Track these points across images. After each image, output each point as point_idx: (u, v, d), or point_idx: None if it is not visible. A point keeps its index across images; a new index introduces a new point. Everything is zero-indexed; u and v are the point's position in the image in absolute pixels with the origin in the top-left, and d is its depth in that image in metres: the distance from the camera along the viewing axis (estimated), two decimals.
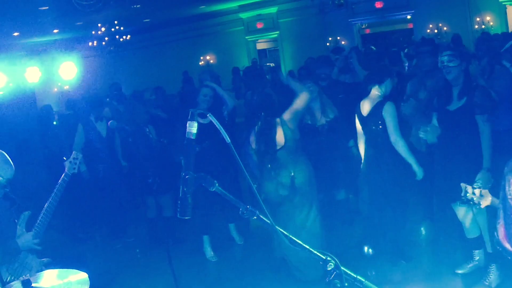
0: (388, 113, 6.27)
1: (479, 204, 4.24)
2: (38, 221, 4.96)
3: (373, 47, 14.11)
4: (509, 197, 3.88)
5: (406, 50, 11.28)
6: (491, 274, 5.84)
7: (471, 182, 5.57)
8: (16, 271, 4.75)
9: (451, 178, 5.77)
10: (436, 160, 6.20)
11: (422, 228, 7.44)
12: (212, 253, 7.78)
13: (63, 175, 5.05)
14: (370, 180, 6.69)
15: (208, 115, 2.73)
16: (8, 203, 4.75)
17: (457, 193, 5.63)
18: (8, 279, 4.60)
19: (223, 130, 2.65)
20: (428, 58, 7.34)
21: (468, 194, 4.29)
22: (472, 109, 5.70)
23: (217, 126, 2.66)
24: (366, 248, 6.93)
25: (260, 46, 25.31)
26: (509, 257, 3.98)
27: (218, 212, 7.84)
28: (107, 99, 11.26)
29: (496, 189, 5.62)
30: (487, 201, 4.24)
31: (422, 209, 7.46)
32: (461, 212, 5.99)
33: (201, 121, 2.78)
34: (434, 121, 6.13)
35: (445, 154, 5.98)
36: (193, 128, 2.65)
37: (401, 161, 6.33)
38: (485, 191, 4.23)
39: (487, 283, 5.84)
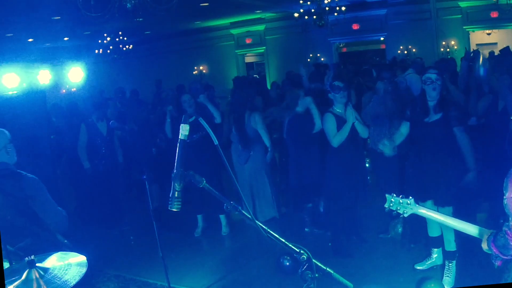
0: None
1: (403, 213, 3.60)
2: None
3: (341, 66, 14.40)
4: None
5: None
6: (446, 270, 5.88)
7: (444, 184, 5.63)
8: None
9: (423, 180, 5.78)
10: (410, 163, 6.13)
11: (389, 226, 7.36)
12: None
13: None
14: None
15: (199, 119, 2.75)
16: None
17: (428, 193, 5.72)
18: None
19: (212, 133, 2.67)
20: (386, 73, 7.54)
21: (391, 204, 3.61)
22: (449, 121, 5.66)
23: (207, 129, 2.67)
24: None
25: (248, 59, 25.36)
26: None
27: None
28: (109, 101, 11.23)
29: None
30: (413, 211, 3.59)
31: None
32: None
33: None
34: (402, 129, 6.07)
35: (420, 159, 5.89)
36: (185, 130, 2.66)
37: None
38: (411, 200, 3.59)
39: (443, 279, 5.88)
